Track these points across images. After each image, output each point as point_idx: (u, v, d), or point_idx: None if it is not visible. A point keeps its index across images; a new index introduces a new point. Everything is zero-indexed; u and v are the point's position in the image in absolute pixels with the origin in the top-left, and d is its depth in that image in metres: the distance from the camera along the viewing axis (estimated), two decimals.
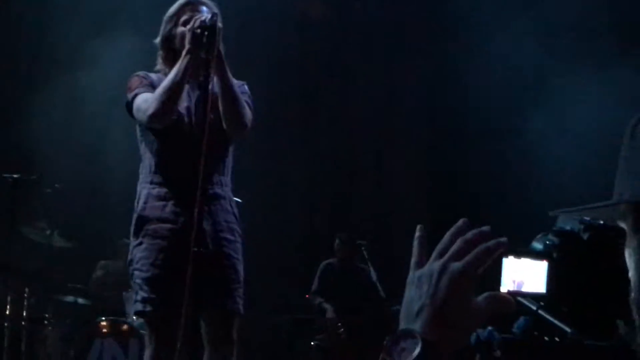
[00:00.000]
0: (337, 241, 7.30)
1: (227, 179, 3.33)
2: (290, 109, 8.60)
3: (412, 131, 8.93)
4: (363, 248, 7.05)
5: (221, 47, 3.14)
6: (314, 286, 7.25)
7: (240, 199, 3.54)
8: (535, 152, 7.19)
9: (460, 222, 1.11)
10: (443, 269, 1.05)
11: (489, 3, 7.58)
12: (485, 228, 1.08)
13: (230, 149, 3.36)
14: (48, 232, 6.21)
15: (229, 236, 3.25)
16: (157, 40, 3.37)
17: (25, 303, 5.93)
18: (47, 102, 6.97)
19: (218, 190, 3.25)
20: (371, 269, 6.98)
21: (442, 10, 8.30)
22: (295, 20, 8.66)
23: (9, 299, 5.87)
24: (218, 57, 3.11)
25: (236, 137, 3.32)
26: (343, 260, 7.29)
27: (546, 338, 1.79)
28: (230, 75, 3.19)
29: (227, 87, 3.17)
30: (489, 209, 7.03)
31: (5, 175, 5.91)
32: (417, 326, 1.03)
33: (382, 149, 8.99)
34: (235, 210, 3.35)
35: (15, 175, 5.87)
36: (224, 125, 3.20)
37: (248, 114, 3.26)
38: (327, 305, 7.06)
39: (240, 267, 3.28)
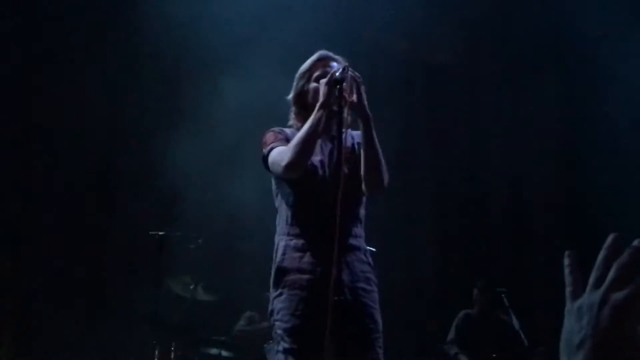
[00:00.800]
0: (475, 290, 7.14)
1: (360, 229, 3.37)
2: (420, 152, 8.60)
3: (547, 166, 8.74)
4: (503, 295, 6.85)
5: (369, 110, 3.20)
6: (450, 335, 7.07)
7: (374, 247, 3.56)
8: None
9: (609, 239, 1.08)
10: (604, 300, 1.02)
11: (621, 26, 7.48)
12: (637, 242, 1.05)
13: (363, 200, 3.40)
14: (192, 286, 6.44)
15: (365, 286, 3.26)
16: (290, 96, 3.49)
17: (172, 356, 6.14)
18: (186, 161, 7.27)
19: (353, 241, 3.29)
20: (513, 317, 6.77)
21: (573, 33, 8.18)
22: (422, 66, 8.71)
23: (156, 352, 6.09)
24: (366, 119, 3.19)
25: (373, 195, 3.35)
26: (483, 310, 7.10)
27: None
28: (375, 137, 3.24)
29: (371, 149, 3.23)
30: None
31: (151, 232, 6.22)
32: (579, 359, 1.01)
33: (516, 190, 8.81)
34: (370, 260, 3.36)
35: (160, 233, 6.17)
36: (363, 184, 3.27)
37: (386, 175, 3.30)
38: (462, 357, 6.88)
39: (379, 317, 3.28)
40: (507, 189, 8.84)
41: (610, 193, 7.97)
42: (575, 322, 1.04)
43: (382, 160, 3.27)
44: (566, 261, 1.11)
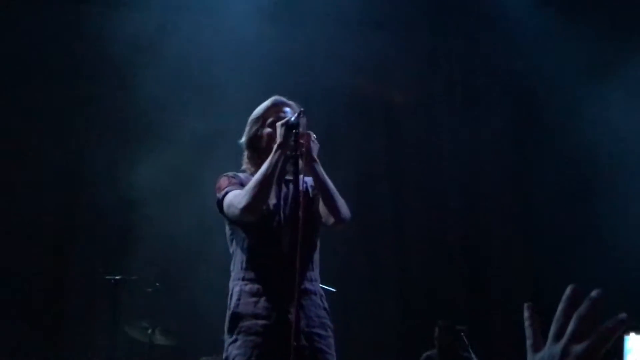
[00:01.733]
0: (436, 329, 7.12)
1: (316, 273, 3.37)
2: (380, 190, 8.63)
3: (507, 204, 8.84)
4: (462, 334, 6.85)
5: (313, 145, 3.22)
6: None
7: (333, 286, 3.56)
8: None
9: (568, 290, 1.08)
10: (565, 352, 1.02)
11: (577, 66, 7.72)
12: (595, 294, 1.05)
13: (318, 244, 3.41)
14: (149, 330, 6.34)
15: (321, 332, 3.25)
16: (243, 140, 3.50)
17: None
18: (143, 202, 7.21)
19: (308, 285, 3.29)
20: (473, 355, 6.77)
21: (530, 72, 8.39)
22: (382, 107, 8.79)
23: None
24: (309, 155, 3.19)
25: (334, 229, 3.36)
26: (442, 349, 7.08)
27: None
28: (322, 171, 3.25)
29: (321, 183, 3.24)
30: (602, 283, 6.87)
31: (107, 277, 6.16)
32: None
33: (475, 229, 8.87)
34: (326, 305, 3.36)
35: (117, 277, 6.12)
36: (324, 221, 3.28)
37: (346, 208, 3.32)
38: None
39: None
40: (467, 225, 8.91)
41: (566, 230, 8.10)
42: None
43: (338, 196, 3.29)
44: (526, 313, 1.11)
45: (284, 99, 3.48)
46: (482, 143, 8.89)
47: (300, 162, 3.20)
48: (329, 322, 3.32)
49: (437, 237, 8.69)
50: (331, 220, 3.27)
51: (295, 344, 2.91)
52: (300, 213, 3.10)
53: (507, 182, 8.86)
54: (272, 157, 3.20)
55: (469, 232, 8.80)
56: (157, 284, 6.38)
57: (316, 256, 3.39)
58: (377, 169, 8.65)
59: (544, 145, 8.54)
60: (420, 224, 8.66)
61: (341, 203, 3.29)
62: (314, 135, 3.25)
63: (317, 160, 3.25)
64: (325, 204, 3.25)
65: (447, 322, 7.07)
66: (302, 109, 3.28)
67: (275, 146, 3.21)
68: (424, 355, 7.08)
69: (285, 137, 3.18)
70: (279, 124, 3.24)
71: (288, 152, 3.20)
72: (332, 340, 3.29)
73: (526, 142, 8.83)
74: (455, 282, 8.59)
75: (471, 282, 8.68)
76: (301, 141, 3.17)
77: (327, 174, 3.31)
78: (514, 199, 8.89)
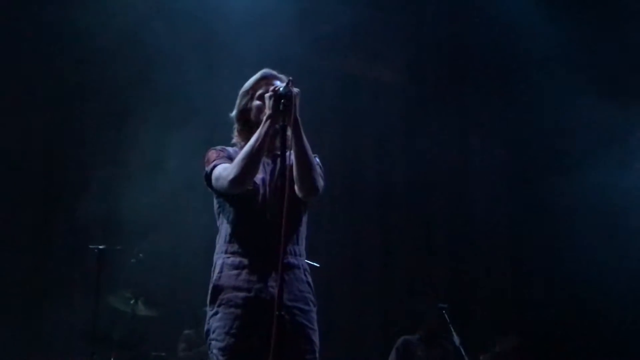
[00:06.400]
0: (430, 311, 7.02)
1: (301, 248, 3.36)
2: (366, 176, 8.62)
3: (491, 184, 8.86)
4: (444, 312, 6.86)
5: (297, 114, 3.16)
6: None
7: (318, 263, 3.56)
8: None
9: None
10: None
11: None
12: None
13: (304, 219, 3.39)
14: (132, 301, 6.36)
15: (303, 306, 3.24)
16: (233, 113, 3.48)
17: None
18: (129, 176, 7.20)
19: (292, 259, 3.27)
20: (454, 333, 6.79)
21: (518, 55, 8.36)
22: (369, 86, 8.76)
23: None
24: (294, 122, 3.15)
25: (306, 200, 3.32)
26: (429, 335, 7.01)
27: None
28: (305, 139, 3.21)
29: (302, 151, 3.19)
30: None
31: (91, 246, 6.15)
32: None
33: (459, 211, 8.90)
34: (310, 280, 3.35)
35: (100, 246, 6.12)
36: (296, 189, 3.22)
37: (320, 179, 3.29)
38: None
39: (316, 338, 3.26)
40: (452, 205, 8.94)
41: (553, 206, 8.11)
42: None
43: (314, 164, 3.25)
44: None
45: (273, 72, 3.46)
46: (471, 125, 8.89)
47: (288, 135, 3.15)
48: (311, 297, 3.31)
49: (421, 217, 8.72)
50: (303, 190, 3.22)
51: (277, 313, 2.89)
52: (286, 187, 3.07)
53: (495, 166, 8.87)
54: (261, 128, 3.17)
55: (454, 207, 8.83)
56: (141, 255, 6.38)
57: (302, 231, 3.37)
58: (363, 148, 8.65)
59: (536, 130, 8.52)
60: (406, 201, 8.68)
61: (316, 173, 3.25)
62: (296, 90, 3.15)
63: (301, 126, 3.19)
64: (300, 172, 3.19)
65: (445, 305, 6.96)
66: (290, 78, 3.22)
67: (265, 117, 3.19)
68: (402, 339, 7.02)
69: (274, 107, 3.14)
70: (267, 95, 3.20)
71: (277, 125, 3.16)
72: (314, 315, 3.28)
73: (520, 131, 8.79)
74: (437, 261, 8.63)
75: (453, 261, 8.72)
76: (289, 111, 3.12)
77: (313, 149, 3.27)
78: (500, 183, 8.91)
